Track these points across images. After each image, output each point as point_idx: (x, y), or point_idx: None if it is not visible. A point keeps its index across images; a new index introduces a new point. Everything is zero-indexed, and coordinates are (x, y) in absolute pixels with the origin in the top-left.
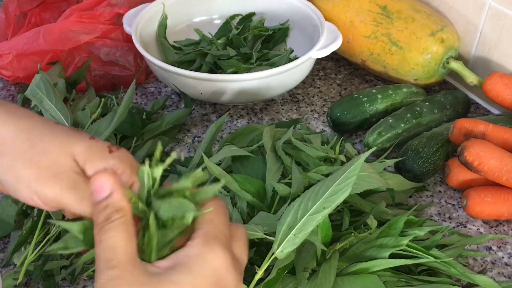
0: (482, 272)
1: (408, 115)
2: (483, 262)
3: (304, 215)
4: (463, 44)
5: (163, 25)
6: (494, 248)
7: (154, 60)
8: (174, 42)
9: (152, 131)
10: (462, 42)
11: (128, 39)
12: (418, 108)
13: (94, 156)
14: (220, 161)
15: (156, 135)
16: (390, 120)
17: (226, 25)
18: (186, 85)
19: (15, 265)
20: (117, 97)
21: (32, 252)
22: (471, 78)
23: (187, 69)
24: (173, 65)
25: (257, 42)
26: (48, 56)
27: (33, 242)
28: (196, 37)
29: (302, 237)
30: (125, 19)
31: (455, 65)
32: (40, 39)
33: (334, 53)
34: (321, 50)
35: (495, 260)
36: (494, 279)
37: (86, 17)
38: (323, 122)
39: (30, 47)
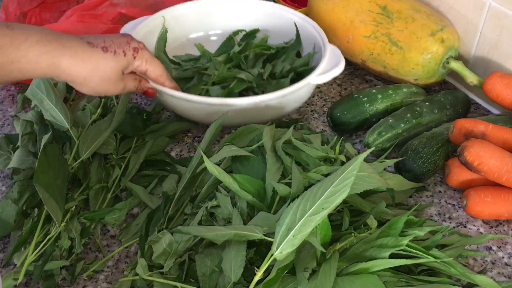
0: (482, 272)
1: (408, 115)
2: (483, 262)
3: (302, 216)
4: (463, 44)
5: (162, 39)
6: (494, 248)
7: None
8: (173, 56)
9: (153, 133)
10: (462, 42)
11: None
12: (418, 108)
13: None
14: (220, 161)
15: (156, 135)
16: (390, 120)
17: (229, 40)
18: (178, 106)
19: (15, 265)
20: (117, 97)
21: (32, 252)
22: (471, 78)
23: (185, 86)
24: None
25: (259, 60)
26: None
27: (33, 242)
28: (196, 53)
29: (301, 238)
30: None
31: (455, 65)
32: None
33: None
34: (321, 75)
35: (495, 260)
36: (494, 279)
37: (88, 17)
38: (323, 122)
39: None
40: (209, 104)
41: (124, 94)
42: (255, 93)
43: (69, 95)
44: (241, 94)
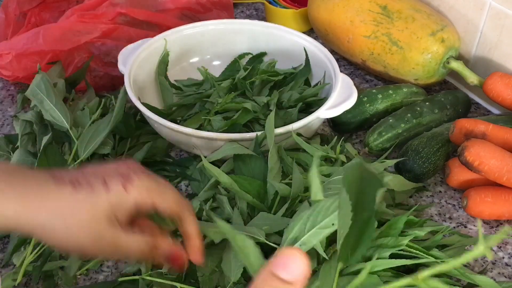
0: (483, 272)
1: (409, 115)
2: (484, 262)
3: (312, 227)
4: (464, 44)
5: (164, 63)
6: (495, 248)
7: (141, 107)
8: (175, 81)
9: (152, 135)
10: (462, 42)
11: (129, 38)
12: (418, 108)
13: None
14: (221, 162)
15: (155, 137)
16: (390, 120)
17: (234, 64)
18: (175, 138)
19: (15, 265)
20: (116, 97)
21: (31, 253)
22: (472, 78)
23: (186, 113)
24: (170, 109)
25: (265, 87)
26: (48, 56)
27: (32, 243)
28: (199, 77)
29: (306, 248)
30: (120, 57)
31: (456, 65)
32: (40, 39)
33: (334, 53)
34: (331, 109)
35: (496, 260)
36: (495, 279)
37: (88, 17)
38: (323, 122)
39: (30, 47)
40: (211, 139)
41: (121, 93)
42: (260, 124)
43: (68, 95)
44: (245, 124)
